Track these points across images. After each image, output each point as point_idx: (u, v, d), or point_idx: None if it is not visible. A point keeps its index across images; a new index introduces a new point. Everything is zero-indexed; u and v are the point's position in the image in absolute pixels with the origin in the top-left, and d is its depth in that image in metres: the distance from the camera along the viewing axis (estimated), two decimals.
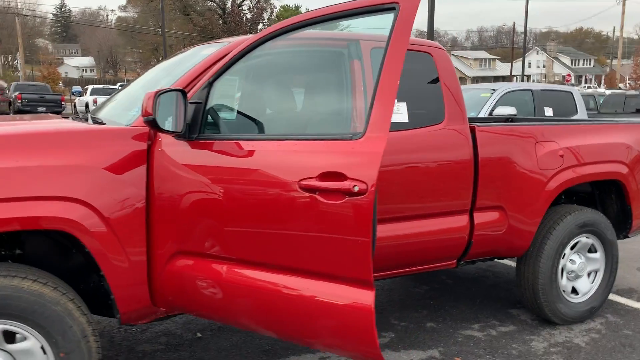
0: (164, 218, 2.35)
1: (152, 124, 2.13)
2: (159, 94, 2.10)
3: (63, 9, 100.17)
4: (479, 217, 3.36)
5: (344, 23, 2.50)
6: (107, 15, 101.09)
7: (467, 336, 3.58)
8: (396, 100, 3.03)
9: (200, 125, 2.33)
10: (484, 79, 62.41)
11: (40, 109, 20.75)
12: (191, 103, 2.33)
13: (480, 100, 8.01)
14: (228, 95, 2.70)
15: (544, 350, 3.39)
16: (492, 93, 8.03)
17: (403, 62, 2.02)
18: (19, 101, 20.64)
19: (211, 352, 3.29)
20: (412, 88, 3.21)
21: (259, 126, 2.50)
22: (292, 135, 2.19)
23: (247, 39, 2.40)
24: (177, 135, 2.27)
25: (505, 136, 3.44)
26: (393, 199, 3.01)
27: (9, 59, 64.29)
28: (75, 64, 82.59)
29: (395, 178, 3.00)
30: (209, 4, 47.37)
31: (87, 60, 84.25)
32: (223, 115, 2.55)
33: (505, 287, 4.55)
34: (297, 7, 62.26)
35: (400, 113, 3.08)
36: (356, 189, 1.91)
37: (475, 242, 3.36)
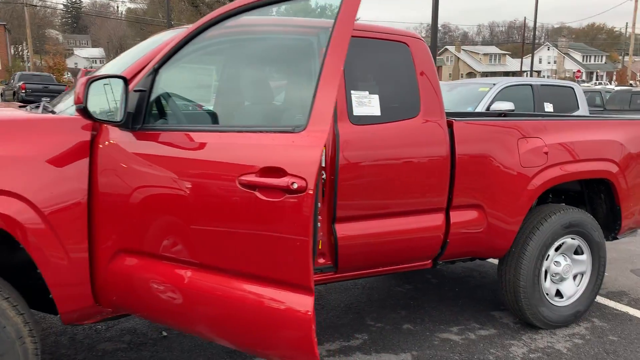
0: (105, 214, 2.22)
1: (83, 112, 2.00)
2: (90, 80, 1.96)
3: (73, 0, 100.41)
4: (456, 216, 3.20)
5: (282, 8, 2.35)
6: (117, 7, 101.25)
7: (444, 339, 3.43)
8: (367, 93, 2.89)
9: (144, 115, 2.19)
10: (494, 74, 61.84)
11: (44, 99, 20.65)
12: (135, 91, 2.20)
13: (479, 94, 7.82)
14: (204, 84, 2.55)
15: (523, 356, 3.24)
16: (490, 87, 7.83)
17: (347, 49, 1.87)
18: (23, 91, 20.53)
19: (174, 352, 3.17)
20: (385, 80, 3.05)
21: (206, 117, 2.35)
22: (235, 127, 2.04)
23: (197, 22, 2.25)
24: (118, 125, 2.13)
25: (486, 131, 3.28)
26: (362, 195, 2.86)
27: (19, 49, 64.53)
28: (85, 54, 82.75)
29: (365, 174, 2.86)
30: None
31: (97, 51, 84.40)
32: (170, 104, 2.41)
33: (491, 288, 4.39)
34: None
35: (372, 106, 2.93)
36: (295, 186, 1.77)
37: (451, 241, 3.20)
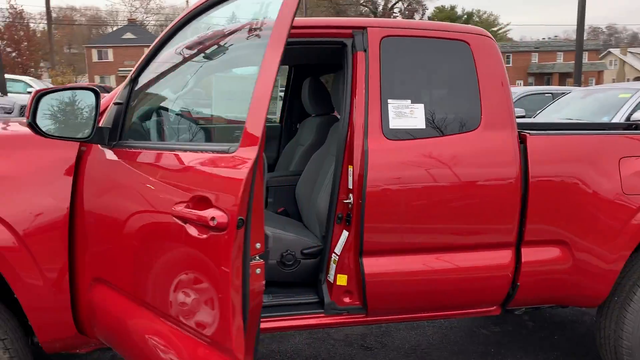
0: (82, 238, 2.04)
1: (32, 128, 1.82)
2: (40, 94, 1.78)
3: None
4: (529, 254, 2.56)
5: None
6: None
7: None
8: (410, 101, 2.42)
9: (121, 130, 1.97)
10: None
11: None
12: (115, 104, 1.99)
13: (618, 102, 6.68)
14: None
15: None
16: (633, 94, 6.65)
17: (281, 54, 1.48)
18: None
19: None
20: (436, 85, 2.55)
21: (169, 131, 2.07)
22: (182, 145, 1.73)
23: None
24: (86, 141, 1.93)
25: (573, 148, 2.60)
26: (396, 225, 2.39)
27: None
28: None
29: (401, 199, 2.37)
30: (361, 9, 47.83)
31: None
32: (146, 117, 2.17)
33: None
34: (452, 7, 60.26)
35: (414, 117, 2.44)
36: (214, 222, 1.40)
37: (524, 284, 2.57)
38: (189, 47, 2.05)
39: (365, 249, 2.38)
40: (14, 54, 36.03)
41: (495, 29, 61.89)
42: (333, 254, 2.46)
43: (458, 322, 3.85)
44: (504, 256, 2.54)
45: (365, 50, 2.45)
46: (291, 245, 2.62)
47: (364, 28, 2.47)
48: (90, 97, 1.88)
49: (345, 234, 2.43)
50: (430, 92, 2.52)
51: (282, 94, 4.45)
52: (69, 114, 1.87)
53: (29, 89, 14.56)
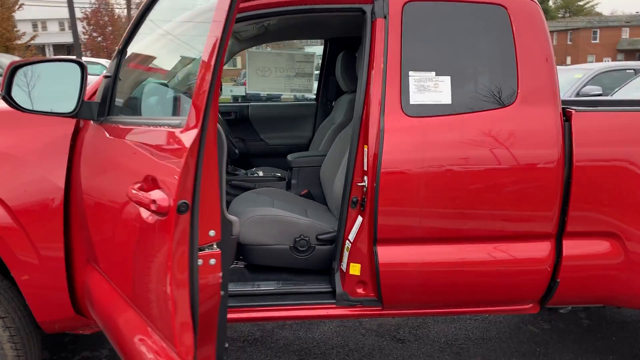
0: (76, 217, 1.97)
1: (7, 101, 1.73)
2: (15, 66, 1.69)
3: None
4: (572, 247, 2.26)
5: None
6: None
7: None
8: (434, 74, 2.18)
9: (109, 104, 1.86)
10: None
11: None
12: (105, 77, 1.89)
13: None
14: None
15: None
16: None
17: (226, 21, 1.28)
18: None
19: None
20: (465, 56, 2.27)
21: (150, 105, 1.93)
22: (147, 120, 1.59)
23: None
24: (69, 116, 1.84)
25: (627, 127, 2.25)
26: (414, 211, 2.16)
27: None
28: None
29: (420, 183, 2.14)
30: None
31: None
32: (130, 90, 2.05)
33: None
34: None
35: (439, 91, 2.19)
36: (155, 206, 1.25)
37: (565, 281, 2.28)
38: (167, 17, 1.91)
39: (380, 237, 2.17)
40: (99, 39, 37.91)
41: (581, 2, 58.06)
42: (347, 241, 2.27)
43: (503, 317, 3.55)
44: (542, 249, 2.25)
45: (385, 17, 2.21)
46: (305, 230, 2.46)
47: None
48: (76, 69, 1.79)
49: (359, 219, 2.24)
50: (458, 63, 2.24)
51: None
52: (51, 87, 1.78)
53: (105, 72, 15.20)
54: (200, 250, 1.29)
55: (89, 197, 1.82)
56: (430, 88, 2.18)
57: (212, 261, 1.31)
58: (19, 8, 27.69)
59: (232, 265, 2.53)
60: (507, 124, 2.19)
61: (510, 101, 2.20)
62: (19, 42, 27.26)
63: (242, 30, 3.25)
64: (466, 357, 3.00)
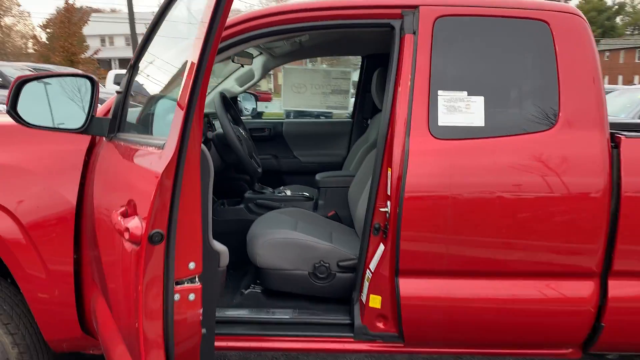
0: (86, 234, 1.92)
1: (12, 116, 1.69)
2: (20, 82, 1.65)
3: None
4: (619, 287, 2.03)
5: None
6: None
7: None
8: (466, 94, 2.02)
9: (119, 121, 1.80)
10: None
11: None
12: (118, 93, 1.84)
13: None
14: None
15: None
16: None
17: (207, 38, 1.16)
18: None
19: None
20: (501, 75, 2.09)
21: (155, 122, 1.84)
22: (140, 138, 1.50)
23: None
24: (78, 132, 1.79)
25: None
26: (444, 243, 1.99)
27: None
28: None
29: (448, 210, 1.97)
30: None
31: None
32: (140, 105, 1.97)
33: None
34: None
35: (470, 112, 2.02)
36: (127, 234, 1.15)
37: (610, 325, 2.04)
38: (175, 32, 1.84)
39: (402, 267, 2.01)
40: None
41: None
42: (367, 270, 2.12)
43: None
44: (583, 288, 2.02)
45: (414, 33, 2.07)
46: (326, 256, 2.32)
47: (415, 7, 2.10)
48: (87, 84, 1.74)
49: (381, 247, 2.08)
50: (494, 83, 2.07)
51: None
52: (59, 102, 1.74)
53: (117, 88, 15.63)
54: (178, 283, 1.18)
55: (98, 215, 1.76)
56: (462, 108, 2.02)
57: (192, 296, 1.20)
58: (84, 25, 29.16)
59: (249, 290, 2.42)
60: (545, 149, 1.99)
61: (550, 125, 2.01)
62: (83, 56, 28.65)
63: (275, 46, 3.18)
64: None
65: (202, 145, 1.24)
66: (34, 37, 39.11)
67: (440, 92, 2.03)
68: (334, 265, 2.32)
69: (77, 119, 1.74)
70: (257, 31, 2.14)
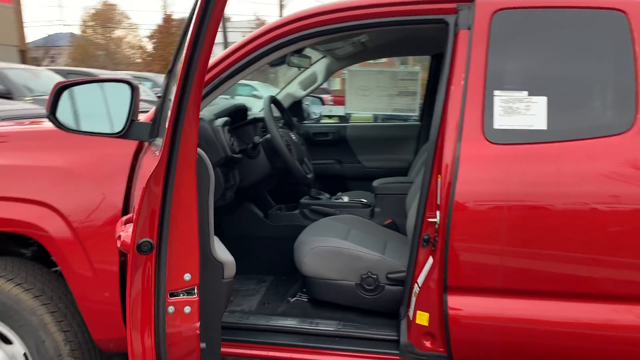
0: None
1: (51, 121, 1.72)
2: (59, 87, 1.68)
3: None
4: None
5: None
6: None
7: None
8: (526, 94, 1.85)
9: (158, 125, 1.80)
10: None
11: None
12: (158, 97, 1.85)
13: None
14: None
15: None
16: None
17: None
18: None
19: None
20: (568, 72, 1.87)
21: None
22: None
23: None
24: (117, 136, 1.80)
25: None
26: (498, 258, 1.81)
27: None
28: None
29: (507, 224, 1.79)
30: None
31: None
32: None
33: None
34: None
35: (531, 114, 1.82)
36: (118, 243, 1.10)
37: None
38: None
39: (451, 283, 1.85)
40: None
41: None
42: (415, 284, 1.98)
43: None
44: None
45: (469, 28, 1.91)
46: (374, 267, 2.20)
47: (471, 0, 1.94)
48: (126, 89, 1.75)
49: (430, 261, 1.93)
50: (558, 82, 1.86)
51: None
52: (99, 107, 1.76)
53: (253, 92, 15.98)
54: (173, 295, 1.13)
55: None
56: (521, 110, 1.83)
57: (187, 309, 1.15)
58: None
59: (295, 298, 2.35)
60: (617, 155, 1.76)
61: (626, 127, 1.77)
62: None
63: (337, 48, 3.11)
64: None
65: (199, 149, 1.18)
66: (140, 47, 41.78)
67: (496, 93, 1.85)
68: (382, 277, 2.20)
69: (118, 124, 1.76)
70: (306, 31, 2.07)
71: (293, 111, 3.59)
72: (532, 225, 1.77)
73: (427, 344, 1.95)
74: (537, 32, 1.89)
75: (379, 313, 2.22)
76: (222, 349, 2.03)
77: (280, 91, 3.56)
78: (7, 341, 2.13)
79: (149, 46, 39.62)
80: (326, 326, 2.13)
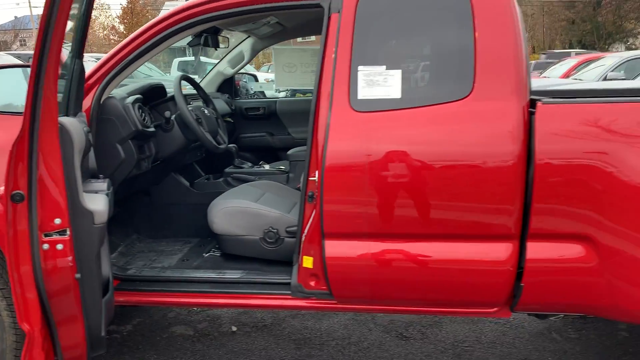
0: None
1: None
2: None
3: None
4: (537, 249, 2.11)
5: None
6: None
7: None
8: (385, 67, 2.16)
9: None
10: None
11: None
12: None
13: None
14: None
15: None
16: None
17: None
18: None
19: (222, 350, 3.03)
20: (419, 47, 2.20)
21: None
22: None
23: None
24: None
25: (602, 120, 2.03)
26: (362, 207, 2.15)
27: None
28: None
29: (369, 178, 2.13)
30: None
31: None
32: None
33: None
34: None
35: (388, 85, 2.15)
36: None
37: (529, 286, 2.13)
38: None
39: (327, 231, 2.19)
40: None
41: None
42: (303, 234, 2.32)
43: (530, 320, 3.34)
44: (501, 250, 2.12)
45: (339, 12, 2.21)
46: (275, 223, 2.54)
47: None
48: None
49: (313, 214, 2.27)
50: (411, 56, 2.18)
51: None
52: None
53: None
54: (48, 235, 1.44)
55: None
56: (380, 82, 2.15)
57: (59, 246, 1.46)
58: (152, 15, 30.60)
59: (209, 254, 2.68)
60: (458, 117, 2.09)
61: (464, 94, 2.09)
62: None
63: (254, 29, 3.39)
64: None
65: (62, 118, 1.46)
66: (113, 28, 41.23)
67: (360, 68, 2.17)
68: (282, 231, 2.53)
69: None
70: (200, 17, 2.37)
71: (225, 88, 3.87)
72: (388, 178, 2.10)
73: (312, 283, 2.30)
74: (395, 14, 2.20)
75: (280, 262, 2.55)
76: (139, 298, 2.36)
77: (210, 70, 3.83)
78: None
79: (122, 27, 39.15)
80: (232, 274, 2.47)
